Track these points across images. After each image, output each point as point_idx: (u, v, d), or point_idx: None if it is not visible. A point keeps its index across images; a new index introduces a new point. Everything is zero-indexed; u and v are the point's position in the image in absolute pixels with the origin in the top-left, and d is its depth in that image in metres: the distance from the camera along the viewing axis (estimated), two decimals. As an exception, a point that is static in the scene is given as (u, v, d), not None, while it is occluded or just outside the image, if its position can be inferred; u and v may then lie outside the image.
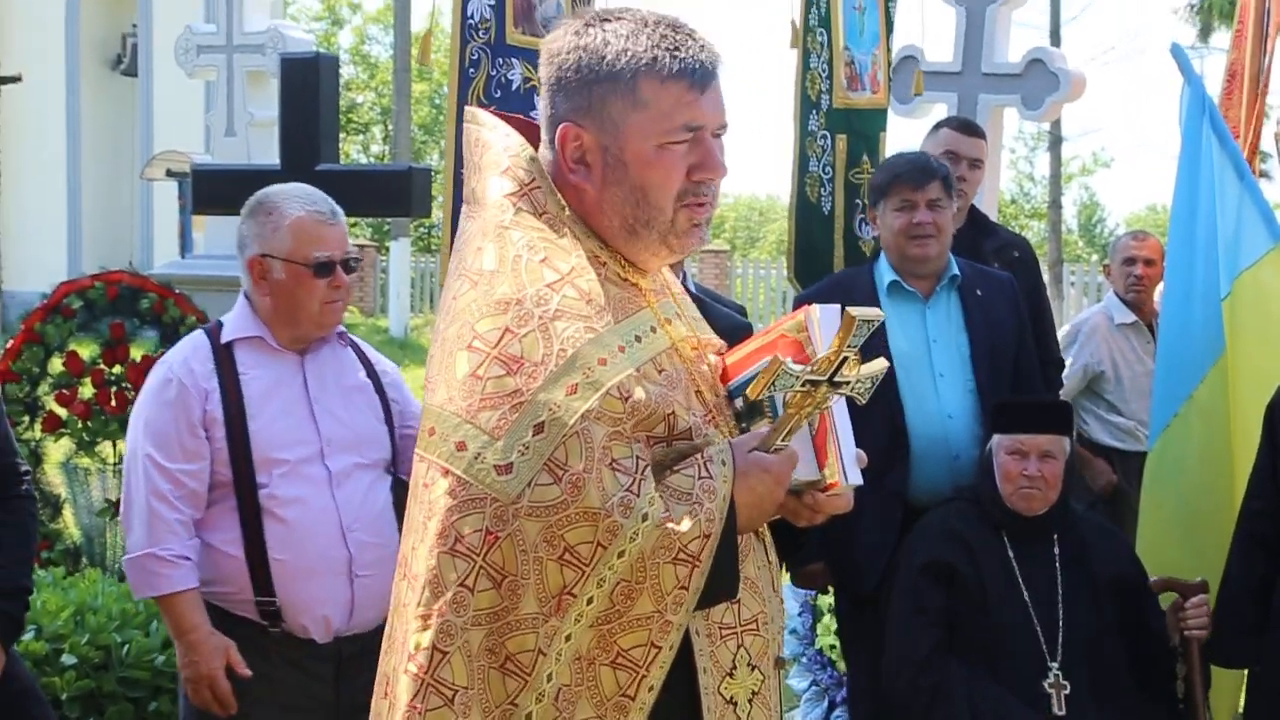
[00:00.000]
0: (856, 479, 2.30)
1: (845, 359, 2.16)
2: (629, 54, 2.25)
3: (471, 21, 4.43)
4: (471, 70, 4.45)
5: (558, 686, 2.15)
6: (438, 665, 2.15)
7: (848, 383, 2.19)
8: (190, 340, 3.82)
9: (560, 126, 2.30)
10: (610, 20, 2.30)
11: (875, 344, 4.23)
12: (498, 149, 2.38)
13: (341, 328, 3.92)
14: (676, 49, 2.26)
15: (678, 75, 2.26)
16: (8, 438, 3.87)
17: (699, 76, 2.27)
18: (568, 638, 2.14)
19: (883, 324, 4.37)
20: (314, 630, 3.64)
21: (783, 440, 2.24)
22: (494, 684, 2.14)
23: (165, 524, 3.60)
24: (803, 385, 2.17)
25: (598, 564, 2.11)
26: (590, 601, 2.13)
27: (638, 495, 2.12)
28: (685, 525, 2.13)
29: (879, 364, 2.24)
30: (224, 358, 3.70)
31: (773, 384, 2.16)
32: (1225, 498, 4.55)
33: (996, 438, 4.29)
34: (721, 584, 2.20)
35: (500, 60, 4.50)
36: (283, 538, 3.61)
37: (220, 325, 3.80)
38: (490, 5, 4.46)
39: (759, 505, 2.24)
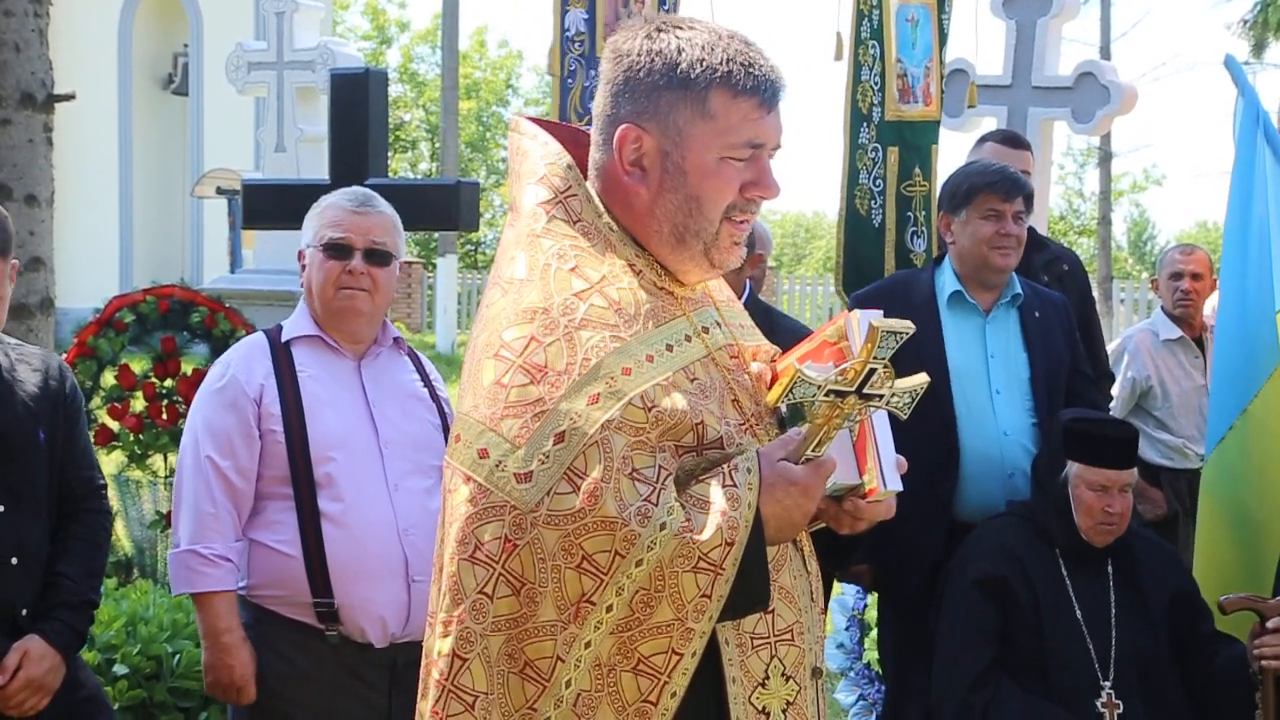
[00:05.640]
0: (896, 485, 2.28)
1: (874, 370, 2.12)
2: (704, 64, 2.25)
3: (569, 34, 4.58)
4: (569, 80, 4.59)
5: (577, 692, 2.15)
6: (458, 672, 2.18)
7: (880, 396, 2.16)
8: (249, 340, 3.86)
9: (620, 128, 2.29)
10: (683, 28, 2.30)
11: (932, 354, 4.26)
12: (535, 157, 2.39)
13: (398, 333, 3.93)
14: (751, 65, 2.27)
15: (750, 91, 2.26)
16: (86, 452, 3.89)
17: (769, 95, 2.28)
18: (587, 644, 2.14)
19: (941, 334, 4.43)
20: (372, 633, 3.60)
21: (813, 451, 2.21)
22: (513, 689, 2.16)
23: (211, 522, 3.61)
24: (826, 395, 2.14)
25: (616, 572, 2.11)
26: (609, 609, 2.12)
27: (656, 504, 2.12)
28: (706, 534, 2.12)
29: (919, 379, 2.21)
30: (282, 356, 3.72)
31: (790, 393, 2.14)
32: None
33: (1076, 467, 4.18)
34: (751, 593, 2.19)
35: (593, 71, 4.60)
36: (340, 539, 3.59)
37: (280, 328, 3.82)
38: (585, 19, 4.58)
39: (786, 517, 2.21)
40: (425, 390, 3.88)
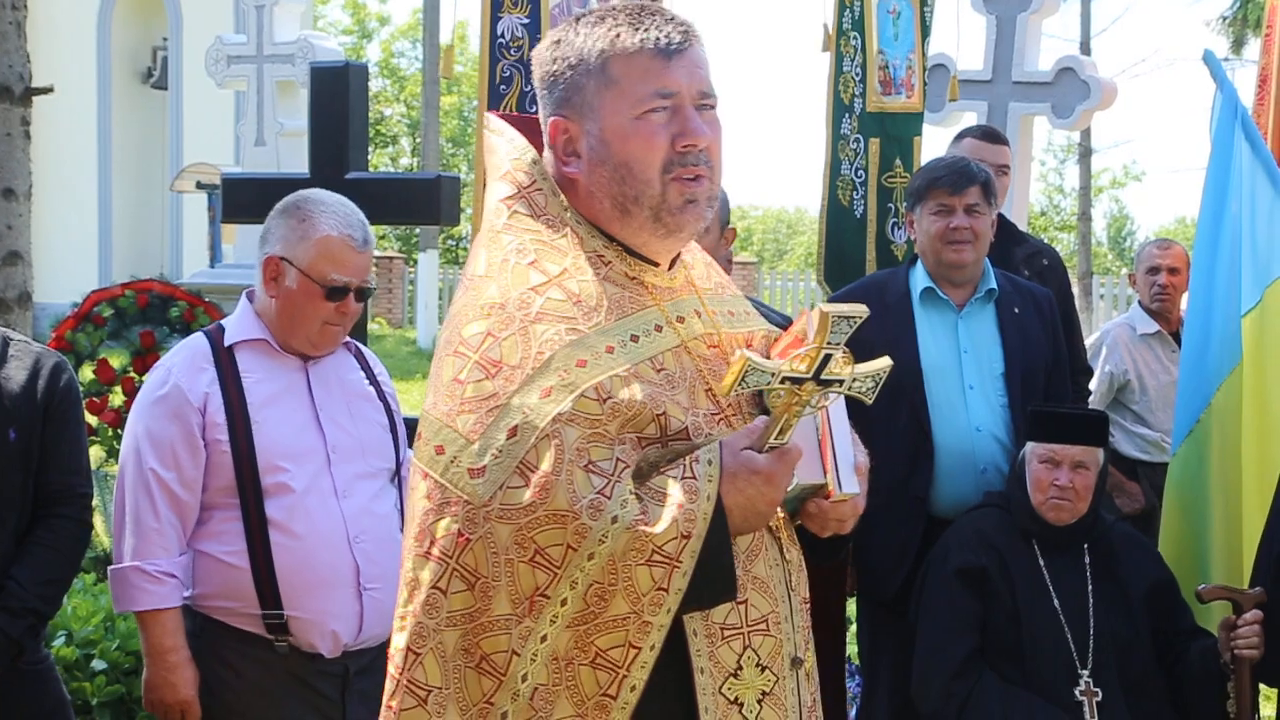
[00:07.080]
0: (852, 488, 2.28)
1: (829, 356, 2.12)
2: (595, 38, 2.30)
3: (502, 40, 4.46)
4: (503, 87, 4.49)
5: (533, 686, 2.16)
6: (411, 666, 2.19)
7: (840, 380, 2.16)
8: (190, 343, 3.67)
9: (549, 124, 2.35)
10: (582, 18, 2.36)
11: (905, 352, 4.26)
12: (501, 154, 2.43)
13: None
14: (637, 26, 2.30)
15: (640, 45, 2.29)
16: (73, 457, 3.70)
17: (663, 44, 2.29)
18: (543, 638, 2.14)
19: (914, 331, 4.44)
20: (322, 645, 3.50)
21: (777, 439, 2.19)
22: (470, 684, 2.17)
23: (154, 536, 3.47)
24: (782, 382, 2.14)
25: (569, 566, 2.12)
26: (564, 603, 2.13)
27: (610, 497, 2.12)
28: (660, 527, 2.12)
29: (881, 362, 2.21)
30: (226, 361, 3.55)
31: (743, 381, 2.13)
32: (1236, 508, 4.51)
33: (1030, 445, 4.27)
34: (716, 585, 2.19)
35: None
36: (289, 548, 3.47)
37: (222, 329, 3.65)
38: (523, 24, 4.49)
39: (751, 506, 2.20)
40: (372, 389, 3.76)
